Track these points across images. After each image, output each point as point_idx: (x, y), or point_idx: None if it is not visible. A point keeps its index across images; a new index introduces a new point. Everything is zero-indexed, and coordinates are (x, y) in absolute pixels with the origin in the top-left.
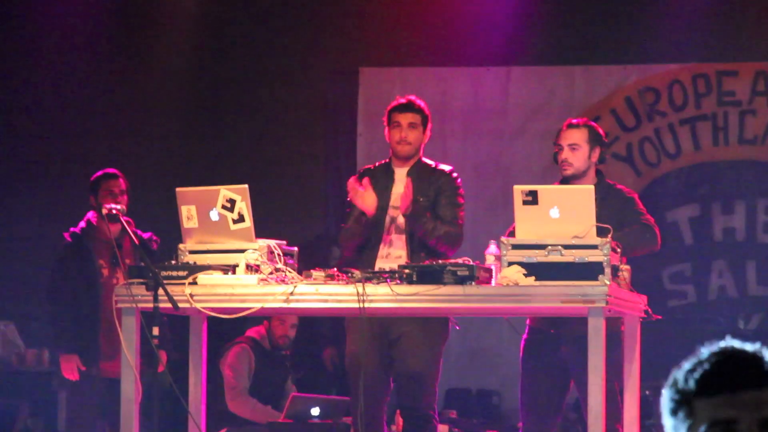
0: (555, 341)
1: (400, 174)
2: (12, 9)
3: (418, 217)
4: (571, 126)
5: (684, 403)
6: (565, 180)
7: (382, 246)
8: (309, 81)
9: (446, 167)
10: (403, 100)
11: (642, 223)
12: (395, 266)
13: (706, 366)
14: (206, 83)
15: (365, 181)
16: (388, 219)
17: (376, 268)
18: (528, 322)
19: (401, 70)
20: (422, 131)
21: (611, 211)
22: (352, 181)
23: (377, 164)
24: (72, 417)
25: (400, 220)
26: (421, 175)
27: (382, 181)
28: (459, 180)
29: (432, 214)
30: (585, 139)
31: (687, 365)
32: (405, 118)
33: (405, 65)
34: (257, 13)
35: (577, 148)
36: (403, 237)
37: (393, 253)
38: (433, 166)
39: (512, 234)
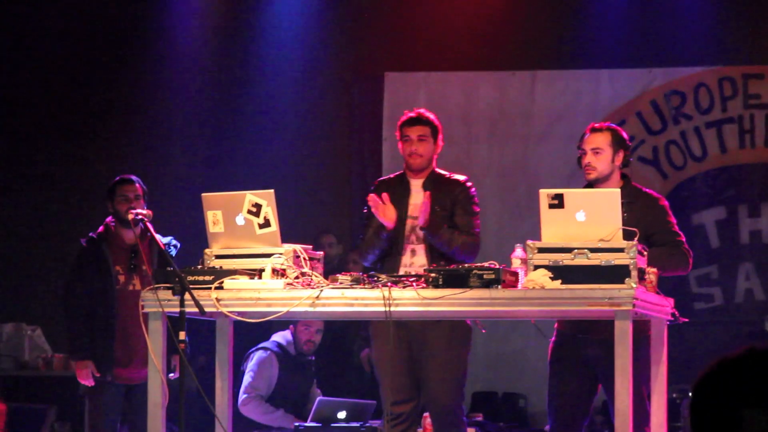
0: (582, 344)
1: (416, 185)
2: (34, 10)
3: (437, 228)
4: (594, 130)
5: (728, 413)
6: (590, 184)
7: (404, 255)
8: (335, 85)
9: (461, 177)
10: (412, 114)
11: (675, 241)
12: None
13: (756, 374)
14: (232, 88)
15: (385, 196)
16: (407, 229)
17: None
18: (556, 325)
19: (426, 75)
20: (433, 143)
21: (638, 215)
22: (373, 197)
23: (392, 176)
24: (93, 422)
25: (420, 230)
26: (436, 185)
27: (399, 191)
28: (473, 189)
29: (449, 224)
30: (608, 142)
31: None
32: (414, 132)
33: (430, 70)
34: (283, 18)
35: (600, 152)
36: (424, 246)
37: (416, 262)
38: (448, 176)
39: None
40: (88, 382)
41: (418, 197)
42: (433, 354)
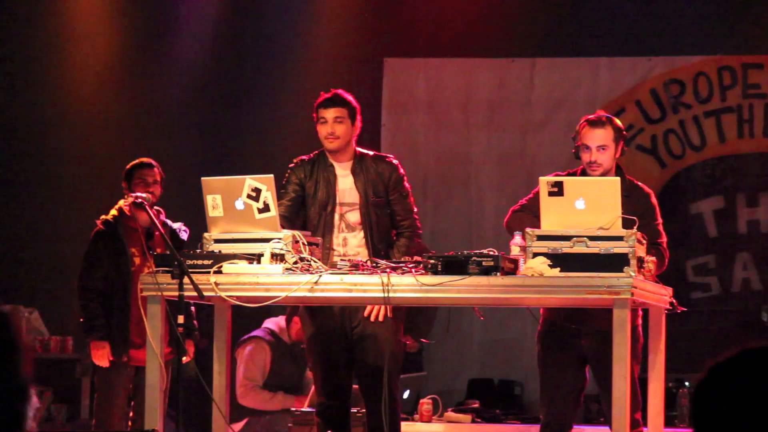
0: (572, 332)
1: (342, 170)
2: (50, 6)
3: (378, 220)
4: (594, 124)
5: (732, 420)
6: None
7: (335, 245)
8: (333, 71)
9: (387, 157)
10: (328, 95)
11: (656, 242)
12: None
13: (756, 376)
14: (230, 74)
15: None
16: (336, 217)
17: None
18: (542, 312)
19: (425, 61)
20: (350, 124)
21: (630, 210)
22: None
23: (311, 156)
24: (99, 404)
25: (352, 218)
26: (364, 169)
27: (324, 176)
28: (401, 168)
29: (386, 210)
30: (612, 137)
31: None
32: (330, 113)
33: (429, 56)
34: (281, 5)
35: (606, 149)
36: (359, 234)
37: (350, 250)
38: (372, 156)
39: (521, 209)
40: (104, 363)
41: (345, 182)
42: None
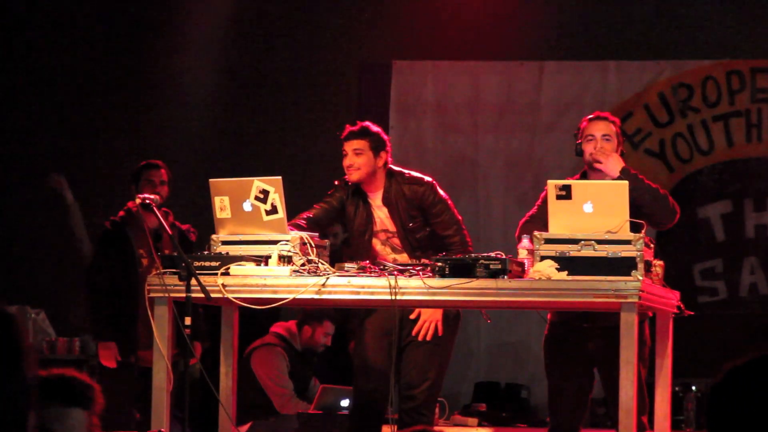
0: (581, 336)
1: (375, 201)
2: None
3: (420, 244)
4: (598, 118)
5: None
6: (584, 175)
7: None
8: (342, 73)
9: (419, 179)
10: (350, 127)
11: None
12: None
13: None
14: (239, 76)
15: None
16: (378, 245)
17: None
18: (549, 317)
19: (434, 64)
20: (373, 156)
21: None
22: None
23: (349, 185)
24: (106, 405)
25: (396, 242)
26: (397, 197)
27: (362, 204)
28: (435, 185)
29: (426, 232)
30: (614, 132)
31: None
32: (349, 146)
33: (438, 58)
34: (290, 6)
35: (610, 139)
36: (405, 255)
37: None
38: (405, 179)
39: (530, 221)
40: (111, 364)
41: (380, 213)
42: (415, 343)
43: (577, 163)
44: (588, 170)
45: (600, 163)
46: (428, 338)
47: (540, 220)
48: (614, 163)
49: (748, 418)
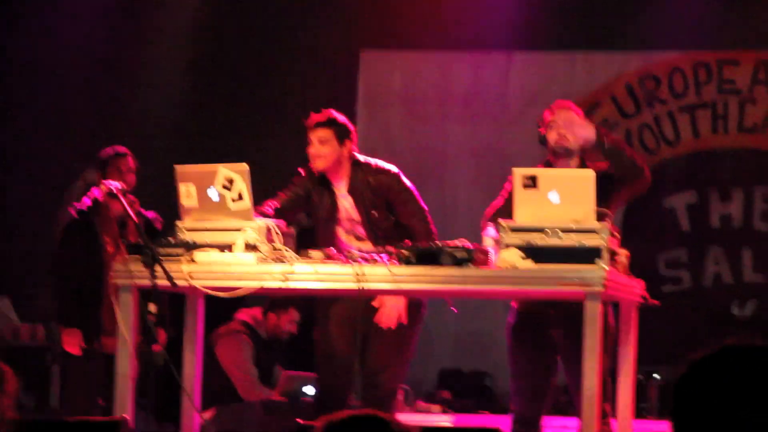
0: (545, 323)
1: (340, 190)
2: None
3: (385, 233)
4: (560, 106)
5: (716, 418)
6: (548, 164)
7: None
8: (310, 63)
9: (385, 169)
10: (315, 116)
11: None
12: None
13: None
14: (207, 67)
15: None
16: (340, 231)
17: None
18: (513, 305)
19: (402, 54)
20: (338, 144)
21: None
22: None
23: (315, 173)
24: (70, 392)
25: (360, 232)
26: (362, 186)
27: (327, 193)
28: (401, 175)
29: (391, 221)
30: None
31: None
32: (315, 135)
33: (406, 48)
34: None
35: (573, 126)
36: (369, 244)
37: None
38: (370, 168)
39: (497, 212)
40: (75, 351)
41: (345, 202)
42: (378, 332)
43: (545, 153)
44: (552, 159)
45: (568, 141)
46: (392, 326)
47: (504, 214)
48: (590, 131)
49: (713, 410)
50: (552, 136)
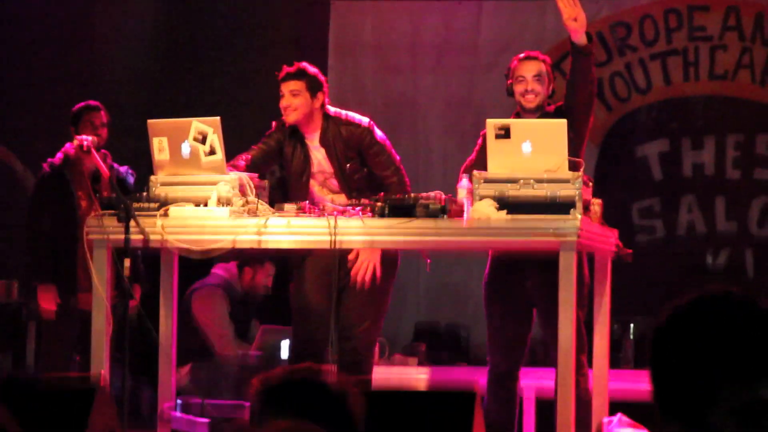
0: (520, 275)
1: (312, 142)
2: None
3: (359, 184)
4: (529, 58)
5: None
6: (525, 112)
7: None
8: (280, 14)
9: (357, 121)
10: (288, 69)
11: None
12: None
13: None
14: (179, 18)
15: None
16: (313, 184)
17: None
18: (489, 260)
19: (373, 4)
20: (309, 97)
21: None
22: None
23: (287, 126)
24: (46, 349)
25: (333, 184)
26: (334, 138)
27: (299, 146)
28: (374, 128)
29: (366, 175)
30: (545, 71)
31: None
32: (286, 87)
33: None
34: None
35: (542, 79)
36: (343, 197)
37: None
38: (342, 120)
39: (472, 166)
40: (50, 307)
41: (317, 154)
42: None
43: (515, 104)
44: (520, 111)
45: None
46: (367, 280)
47: (481, 165)
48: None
49: (691, 358)
50: (519, 89)
